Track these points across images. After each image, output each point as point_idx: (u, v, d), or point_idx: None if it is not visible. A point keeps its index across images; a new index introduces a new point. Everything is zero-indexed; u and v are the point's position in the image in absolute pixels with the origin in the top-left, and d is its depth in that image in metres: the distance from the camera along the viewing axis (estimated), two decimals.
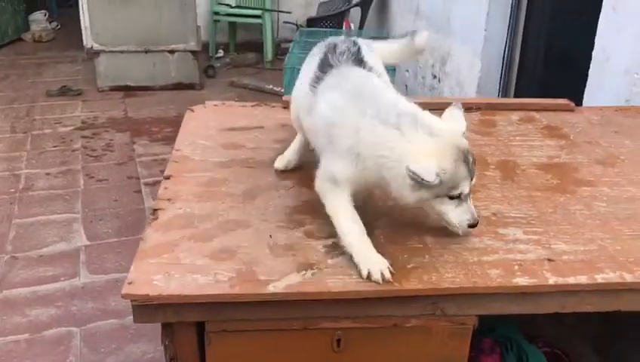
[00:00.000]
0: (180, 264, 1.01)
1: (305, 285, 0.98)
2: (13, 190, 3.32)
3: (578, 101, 2.31)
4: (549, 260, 1.06)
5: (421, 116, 1.05)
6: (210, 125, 1.57)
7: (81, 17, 5.17)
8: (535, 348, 1.64)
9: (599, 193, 1.30)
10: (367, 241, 1.05)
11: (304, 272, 1.00)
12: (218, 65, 5.61)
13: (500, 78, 3.13)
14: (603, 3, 2.15)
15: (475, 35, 3.22)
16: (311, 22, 4.93)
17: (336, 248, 1.07)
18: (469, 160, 1.03)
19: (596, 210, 1.23)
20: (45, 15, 6.50)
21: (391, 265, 1.02)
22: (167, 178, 1.29)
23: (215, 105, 1.71)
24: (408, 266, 1.04)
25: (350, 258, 1.04)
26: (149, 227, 1.12)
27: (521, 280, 1.01)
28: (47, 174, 3.54)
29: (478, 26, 3.17)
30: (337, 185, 1.09)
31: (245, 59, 5.76)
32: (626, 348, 1.67)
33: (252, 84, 5.06)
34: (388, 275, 1.00)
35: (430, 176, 0.97)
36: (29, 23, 6.41)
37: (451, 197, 1.04)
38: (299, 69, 3.85)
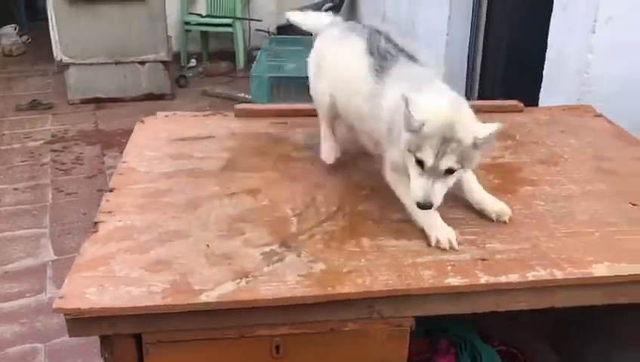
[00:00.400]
0: (114, 276, 1.02)
1: (238, 293, 0.98)
2: None
3: (536, 102, 2.35)
4: (483, 260, 1.08)
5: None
6: (160, 136, 1.57)
7: (51, 30, 5.13)
8: (489, 347, 1.65)
9: (539, 192, 1.32)
10: (435, 214, 1.13)
11: (239, 281, 1.01)
12: (190, 74, 5.60)
13: (465, 81, 3.16)
14: (554, 4, 2.19)
15: (438, 39, 3.26)
16: (281, 29, 4.95)
17: (274, 255, 1.08)
18: (447, 137, 1.03)
19: (534, 209, 1.25)
20: (15, 29, 6.45)
21: (328, 269, 1.03)
22: (111, 190, 1.30)
23: (166, 115, 1.71)
24: (344, 270, 1.05)
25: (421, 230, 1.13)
26: (87, 240, 1.12)
27: (453, 281, 1.03)
28: (15, 189, 3.51)
29: (441, 30, 3.21)
30: (400, 172, 1.15)
31: (218, 67, 5.75)
32: (582, 345, 1.69)
33: (224, 92, 5.05)
34: (455, 243, 1.10)
35: (417, 115, 1.02)
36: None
37: (417, 161, 1.06)
38: (267, 77, 3.87)
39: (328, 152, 1.42)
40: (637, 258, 1.09)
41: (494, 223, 1.20)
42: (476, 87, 3.19)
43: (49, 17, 5.42)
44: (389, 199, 1.27)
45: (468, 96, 3.20)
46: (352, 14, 5.05)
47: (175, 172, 1.38)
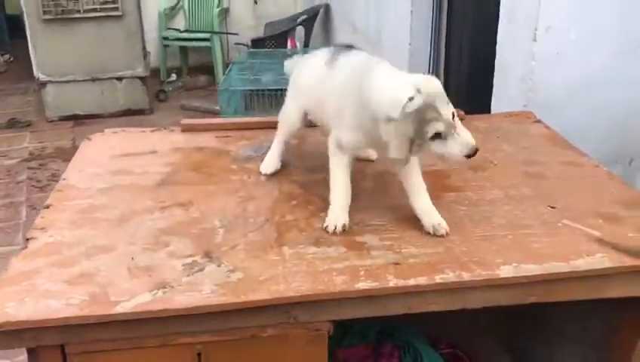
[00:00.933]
0: (36, 290, 1.05)
1: (153, 303, 1.02)
2: None
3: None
4: (396, 264, 1.12)
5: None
6: (104, 153, 1.61)
7: (30, 49, 5.18)
8: (432, 350, 1.69)
9: (463, 197, 1.37)
10: (344, 198, 1.26)
11: (156, 291, 1.05)
12: (170, 89, 5.66)
13: None
14: (500, 14, 2.25)
15: (402, 49, 3.31)
16: (255, 42, 5.01)
17: (195, 266, 1.12)
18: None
19: (455, 214, 1.30)
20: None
21: (245, 279, 1.08)
22: (47, 207, 1.34)
23: (114, 132, 1.75)
24: (260, 278, 1.09)
25: None
26: (15, 257, 1.16)
27: (364, 284, 1.07)
28: None
29: (404, 40, 3.27)
30: (342, 150, 1.27)
31: (197, 81, 5.82)
32: (535, 346, 1.73)
33: (203, 106, 5.11)
34: (339, 230, 1.21)
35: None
36: None
37: (432, 138, 1.12)
38: (237, 91, 3.88)
39: (268, 164, 1.49)
40: (545, 259, 1.13)
41: (414, 228, 1.24)
42: None
43: (27, 36, 5.49)
44: (317, 208, 1.32)
45: None
46: (326, 26, 5.11)
47: (112, 187, 1.42)
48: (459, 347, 1.79)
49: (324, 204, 1.30)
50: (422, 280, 1.08)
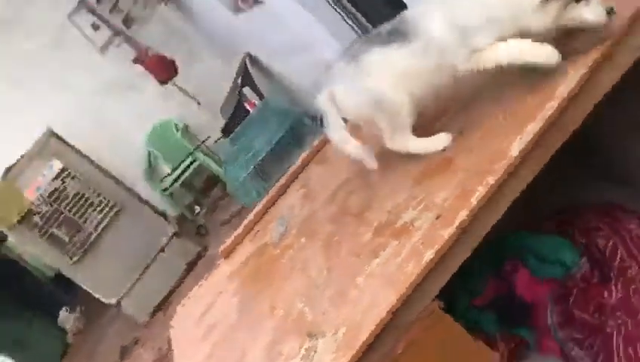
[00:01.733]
0: None
1: None
2: None
3: None
4: (437, 217, 1.19)
5: None
6: (188, 325, 1.76)
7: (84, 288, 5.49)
8: (540, 235, 1.71)
9: (447, 120, 1.43)
10: None
11: None
12: (203, 221, 5.90)
13: None
14: None
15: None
16: (225, 130, 5.19)
17: (310, 352, 1.22)
18: None
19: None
20: (67, 310, 6.92)
21: None
22: None
23: (182, 305, 1.90)
24: (358, 319, 1.18)
25: None
26: None
27: (429, 255, 1.14)
28: None
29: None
30: None
31: (216, 196, 6.04)
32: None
33: (232, 212, 5.29)
34: None
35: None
36: (62, 325, 6.82)
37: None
38: (244, 180, 3.98)
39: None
40: (539, 110, 1.18)
41: (430, 179, 1.31)
42: None
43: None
44: (356, 232, 1.40)
45: None
46: (263, 70, 5.25)
47: (213, 348, 1.55)
48: (561, 211, 1.79)
49: (358, 220, 1.39)
50: (464, 213, 1.14)
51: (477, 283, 1.70)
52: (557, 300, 1.62)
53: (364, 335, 1.13)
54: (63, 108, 6.03)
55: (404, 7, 2.17)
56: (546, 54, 1.20)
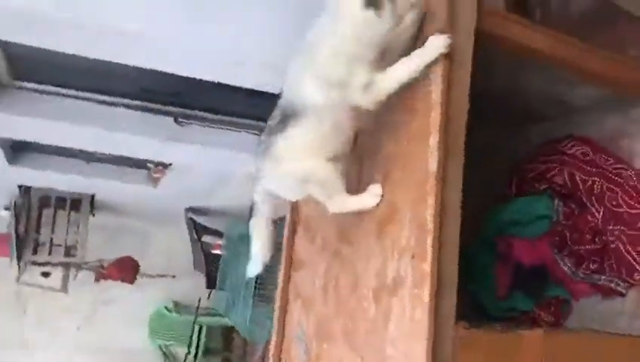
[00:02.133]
0: None
1: None
2: None
3: None
4: (413, 257, 1.25)
5: None
6: None
7: None
8: (508, 204, 1.79)
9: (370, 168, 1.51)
10: None
11: None
12: None
13: None
14: None
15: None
16: (209, 283, 5.20)
17: None
18: None
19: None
20: None
21: None
22: None
23: None
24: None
25: None
26: None
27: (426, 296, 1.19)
28: None
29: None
30: None
31: (239, 345, 5.95)
32: None
33: (261, 348, 5.22)
34: None
35: None
36: None
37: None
38: (249, 321, 3.95)
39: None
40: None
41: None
42: None
43: None
44: (362, 309, 1.45)
45: None
46: (213, 215, 5.34)
47: None
48: (515, 174, 1.87)
49: (351, 288, 1.44)
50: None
51: (487, 279, 1.75)
52: (559, 248, 1.68)
53: None
54: (63, 358, 5.95)
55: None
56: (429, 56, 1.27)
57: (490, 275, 1.75)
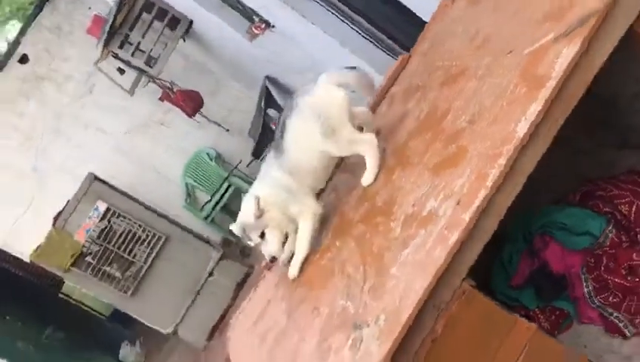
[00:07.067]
0: None
1: None
2: None
3: None
4: (458, 203, 1.28)
5: None
6: (242, 338, 1.87)
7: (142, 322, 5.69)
8: (569, 207, 1.77)
9: (455, 112, 1.52)
10: None
11: None
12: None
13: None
14: None
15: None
16: (255, 152, 5.34)
17: (356, 342, 1.32)
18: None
19: (460, 128, 1.45)
20: (127, 344, 7.17)
21: None
22: None
23: (235, 319, 2.02)
24: (396, 303, 1.27)
25: None
26: None
27: (452, 238, 1.23)
28: None
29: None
30: None
31: None
32: None
33: None
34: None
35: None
36: (124, 361, 7.06)
37: None
38: None
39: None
40: (536, 90, 1.26)
41: (447, 168, 1.40)
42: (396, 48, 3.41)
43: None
44: (386, 228, 1.50)
45: None
46: (283, 90, 5.40)
47: (268, 353, 1.66)
48: (586, 183, 1.84)
49: (387, 217, 1.49)
50: (482, 194, 1.23)
51: (510, 264, 1.77)
52: (589, 269, 1.68)
53: (403, 318, 1.22)
54: (101, 152, 6.32)
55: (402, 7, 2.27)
56: None
57: (514, 261, 1.77)
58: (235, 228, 1.83)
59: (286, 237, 1.80)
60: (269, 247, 1.77)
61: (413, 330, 1.23)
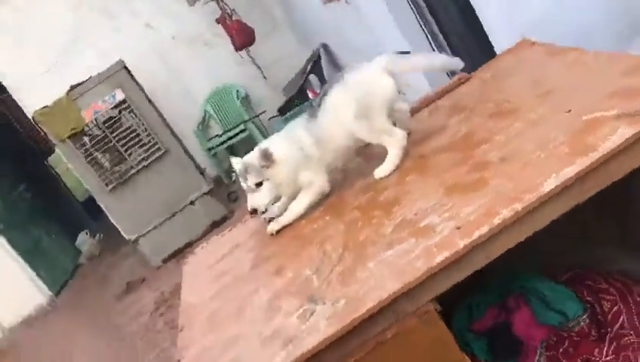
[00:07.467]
0: None
1: (289, 357, 1.22)
2: None
3: None
4: (458, 228, 1.26)
5: None
6: (202, 267, 1.87)
7: (110, 218, 5.72)
8: (553, 283, 1.75)
9: (492, 145, 1.49)
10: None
11: (287, 346, 1.24)
12: (236, 188, 6.04)
13: None
14: None
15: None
16: (282, 109, 5.31)
17: (307, 313, 1.31)
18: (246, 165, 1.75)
19: (491, 160, 1.42)
20: (87, 234, 7.19)
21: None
22: (181, 330, 1.58)
23: (202, 247, 2.02)
24: (360, 294, 1.26)
25: None
26: None
27: (440, 257, 1.21)
28: None
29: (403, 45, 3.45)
30: None
31: None
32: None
33: None
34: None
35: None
36: (78, 247, 7.10)
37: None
38: None
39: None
40: (577, 158, 1.24)
41: (462, 193, 1.38)
42: None
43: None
44: (379, 220, 1.49)
45: None
46: (333, 63, 5.35)
47: (220, 290, 1.66)
48: (575, 267, 1.84)
49: (384, 214, 1.48)
50: (484, 229, 1.21)
51: (478, 308, 1.76)
52: (548, 346, 1.67)
53: (360, 310, 1.21)
54: (140, 45, 6.28)
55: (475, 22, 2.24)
56: None
57: (482, 308, 1.76)
58: (236, 162, 1.78)
59: (278, 198, 1.79)
60: (259, 199, 1.73)
61: (364, 325, 1.22)
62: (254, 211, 1.75)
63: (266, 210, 1.76)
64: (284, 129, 1.82)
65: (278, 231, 1.75)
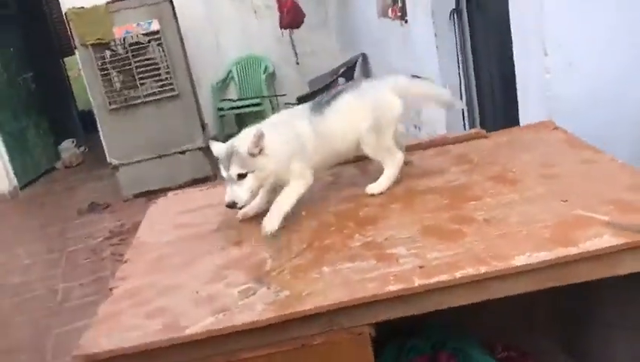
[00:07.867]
0: (122, 325, 1.27)
1: (216, 324, 1.21)
2: (51, 304, 3.69)
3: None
4: (421, 267, 1.27)
5: None
6: (169, 212, 1.86)
7: (101, 137, 5.69)
8: (488, 356, 1.77)
9: (482, 204, 1.50)
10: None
11: (218, 315, 1.24)
12: None
13: (463, 117, 3.36)
14: (512, 36, 2.40)
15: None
16: (301, 99, 5.30)
17: (249, 291, 1.31)
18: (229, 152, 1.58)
19: (475, 218, 1.43)
20: (73, 142, 7.15)
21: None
22: (125, 262, 1.58)
23: (175, 193, 2.01)
24: (304, 294, 1.26)
25: None
26: (103, 303, 1.39)
27: (393, 287, 1.22)
28: (81, 285, 3.90)
29: (437, 79, 3.46)
30: None
31: None
32: (594, 346, 1.78)
33: None
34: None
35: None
36: (60, 151, 7.05)
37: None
38: None
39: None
40: (555, 246, 1.25)
41: (437, 237, 1.38)
42: (477, 119, 3.38)
43: (98, 127, 6.05)
44: (351, 231, 1.49)
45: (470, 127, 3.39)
46: (365, 73, 5.37)
47: (177, 239, 1.65)
48: (514, 349, 1.86)
49: (357, 228, 1.48)
50: (444, 278, 1.22)
51: (409, 352, 1.77)
52: None
53: (299, 307, 1.21)
54: None
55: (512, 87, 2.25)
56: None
57: (412, 353, 1.76)
58: (216, 147, 1.61)
59: (257, 193, 1.64)
60: (240, 193, 1.55)
61: (297, 323, 1.22)
62: (232, 205, 1.57)
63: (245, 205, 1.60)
64: (271, 117, 1.78)
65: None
